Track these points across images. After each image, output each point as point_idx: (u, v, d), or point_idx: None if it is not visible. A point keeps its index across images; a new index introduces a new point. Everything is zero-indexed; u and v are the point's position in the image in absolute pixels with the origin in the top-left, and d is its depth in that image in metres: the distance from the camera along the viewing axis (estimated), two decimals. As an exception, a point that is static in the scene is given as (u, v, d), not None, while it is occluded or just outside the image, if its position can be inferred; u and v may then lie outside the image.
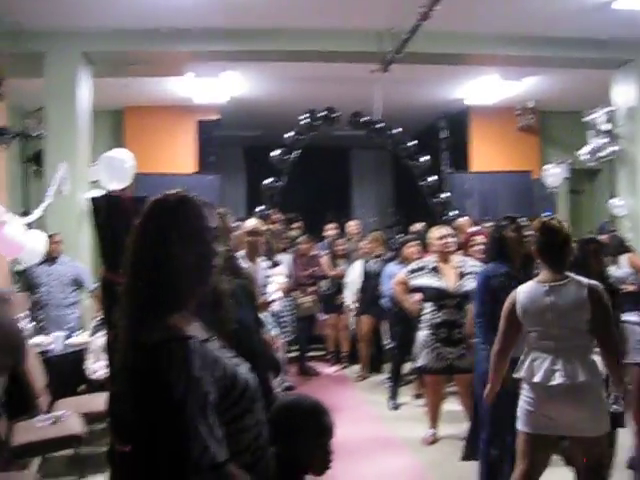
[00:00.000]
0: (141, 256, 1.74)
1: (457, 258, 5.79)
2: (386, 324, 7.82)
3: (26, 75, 8.22)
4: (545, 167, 11.09)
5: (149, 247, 1.74)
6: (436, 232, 5.89)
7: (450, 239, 5.75)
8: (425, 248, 6.54)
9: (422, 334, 5.69)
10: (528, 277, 3.92)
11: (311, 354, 9.18)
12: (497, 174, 11.61)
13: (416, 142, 9.86)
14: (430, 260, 5.84)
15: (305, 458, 2.21)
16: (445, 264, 5.71)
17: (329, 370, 8.92)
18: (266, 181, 9.32)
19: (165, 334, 1.67)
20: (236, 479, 1.64)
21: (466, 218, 8.29)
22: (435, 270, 5.70)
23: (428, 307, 5.69)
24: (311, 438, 2.22)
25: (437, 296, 5.62)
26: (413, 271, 5.89)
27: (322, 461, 2.24)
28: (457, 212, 9.68)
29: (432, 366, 5.64)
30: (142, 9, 7.13)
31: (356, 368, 8.73)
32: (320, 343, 9.41)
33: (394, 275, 6.46)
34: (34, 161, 9.42)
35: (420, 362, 5.73)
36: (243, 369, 1.83)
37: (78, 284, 7.14)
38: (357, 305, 8.34)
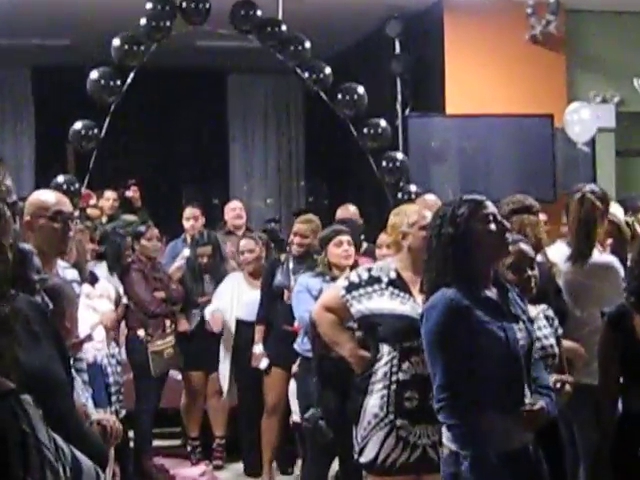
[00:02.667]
0: None
1: None
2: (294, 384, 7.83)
3: None
4: (570, 108, 11.27)
5: None
6: (411, 211, 5.86)
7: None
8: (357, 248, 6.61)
9: (372, 403, 5.58)
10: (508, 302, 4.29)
11: (158, 443, 9.21)
12: (492, 119, 11.79)
13: (347, 62, 9.92)
14: (389, 266, 5.82)
15: None
16: (414, 274, 5.63)
17: (190, 472, 8.93)
18: (76, 125, 9.21)
19: None
20: None
21: (431, 197, 8.38)
22: (397, 284, 5.54)
23: (385, 353, 5.62)
24: None
25: (403, 332, 5.46)
26: (355, 286, 5.78)
27: None
28: (416, 189, 9.80)
29: (392, 460, 5.63)
30: None
31: (237, 468, 8.79)
32: (173, 425, 9.43)
33: (315, 294, 6.47)
34: None
35: (369, 453, 5.65)
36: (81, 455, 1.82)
37: None
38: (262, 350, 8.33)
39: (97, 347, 6.16)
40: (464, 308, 4.31)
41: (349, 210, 8.77)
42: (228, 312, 8.66)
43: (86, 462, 1.81)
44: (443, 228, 4.45)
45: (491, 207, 4.48)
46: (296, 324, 7.61)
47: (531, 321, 4.55)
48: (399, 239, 5.61)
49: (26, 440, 1.58)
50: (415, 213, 5.68)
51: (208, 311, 8.73)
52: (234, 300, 8.62)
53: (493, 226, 4.38)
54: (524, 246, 5.37)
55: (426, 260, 4.66)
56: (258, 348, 8.27)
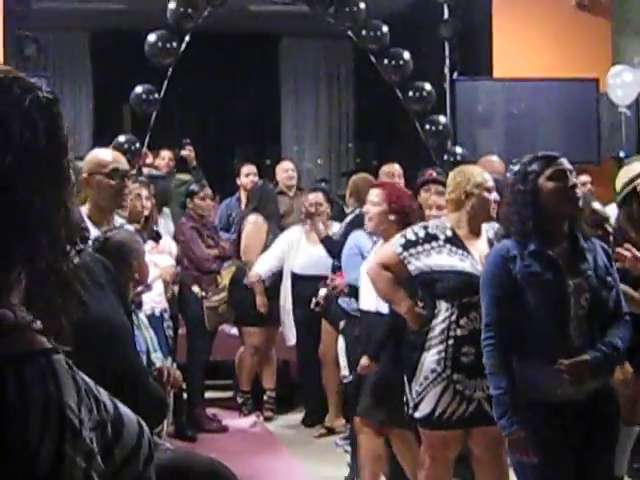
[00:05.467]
0: None
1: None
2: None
3: None
4: (613, 71, 11.16)
5: None
6: (477, 172, 5.80)
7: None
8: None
9: (430, 359, 5.53)
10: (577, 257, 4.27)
11: (210, 395, 9.26)
12: (538, 83, 11.70)
13: (396, 27, 9.89)
14: (443, 224, 5.70)
15: None
16: (471, 234, 5.53)
17: (241, 423, 8.96)
18: (137, 89, 9.24)
19: (9, 345, 1.55)
20: None
21: (495, 158, 8.30)
22: (454, 242, 5.46)
23: (443, 310, 5.56)
24: None
25: (462, 288, 5.38)
26: (411, 244, 5.70)
27: None
28: (460, 150, 9.75)
29: (449, 414, 5.54)
30: None
31: (290, 419, 8.86)
32: (225, 377, 9.46)
33: (368, 251, 6.41)
34: None
35: (425, 408, 5.59)
36: (125, 407, 1.77)
37: None
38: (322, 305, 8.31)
39: (155, 300, 6.13)
40: (512, 258, 4.39)
41: (394, 167, 8.65)
42: (285, 265, 8.64)
43: (130, 416, 1.76)
44: (515, 185, 4.51)
45: (564, 164, 4.45)
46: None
47: (609, 275, 4.47)
48: (462, 198, 5.49)
49: (49, 401, 1.51)
50: (480, 175, 5.63)
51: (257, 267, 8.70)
52: (292, 254, 8.56)
53: (561, 183, 4.35)
54: (597, 205, 5.39)
55: (503, 213, 4.80)
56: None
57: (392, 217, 6.09)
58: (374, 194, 6.28)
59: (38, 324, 1.60)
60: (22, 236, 1.60)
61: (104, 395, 1.71)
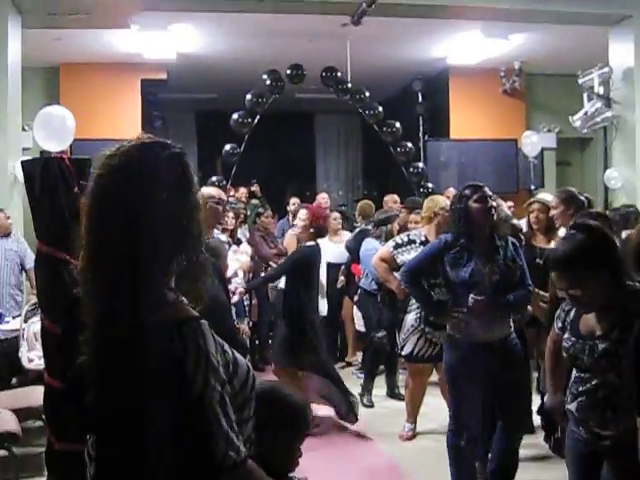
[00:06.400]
0: (109, 221, 1.61)
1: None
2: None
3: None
4: (525, 134, 11.22)
5: (120, 209, 1.61)
6: (441, 199, 5.87)
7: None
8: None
9: (410, 317, 5.66)
10: (492, 253, 4.31)
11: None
12: (479, 142, 11.66)
13: (389, 106, 9.98)
14: (419, 233, 5.74)
15: (274, 453, 2.11)
16: (434, 238, 5.56)
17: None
18: (226, 147, 9.36)
19: (170, 314, 1.60)
20: (256, 476, 1.63)
21: (452, 190, 8.32)
22: (425, 245, 5.43)
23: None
24: (287, 432, 2.15)
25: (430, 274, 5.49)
26: (400, 245, 5.75)
27: (294, 458, 2.18)
28: (431, 185, 9.80)
29: (421, 353, 5.65)
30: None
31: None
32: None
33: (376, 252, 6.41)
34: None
35: (408, 349, 5.71)
36: (237, 353, 1.79)
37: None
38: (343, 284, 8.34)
39: (238, 281, 6.17)
40: (445, 244, 4.46)
41: (393, 197, 8.65)
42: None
43: (241, 359, 1.78)
44: (454, 204, 4.52)
45: (486, 191, 4.40)
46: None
47: (513, 261, 4.43)
48: (432, 216, 5.68)
49: (199, 350, 1.55)
50: (444, 201, 5.79)
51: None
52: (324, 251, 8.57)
53: (482, 204, 4.32)
54: (515, 221, 5.56)
55: (448, 222, 4.80)
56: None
57: (312, 230, 6.19)
58: (302, 213, 6.32)
59: (185, 300, 1.67)
60: (176, 244, 1.66)
61: (226, 346, 1.74)
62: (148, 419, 1.56)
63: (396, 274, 5.92)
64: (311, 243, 6.19)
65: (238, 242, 7.53)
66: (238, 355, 1.78)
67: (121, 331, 1.57)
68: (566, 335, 3.06)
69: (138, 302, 1.58)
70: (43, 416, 4.22)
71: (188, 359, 1.54)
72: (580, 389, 2.97)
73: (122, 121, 10.95)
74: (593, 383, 2.91)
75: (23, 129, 8.23)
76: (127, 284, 1.58)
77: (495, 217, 4.39)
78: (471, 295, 4.25)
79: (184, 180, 1.72)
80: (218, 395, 1.57)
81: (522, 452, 4.54)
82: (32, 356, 5.69)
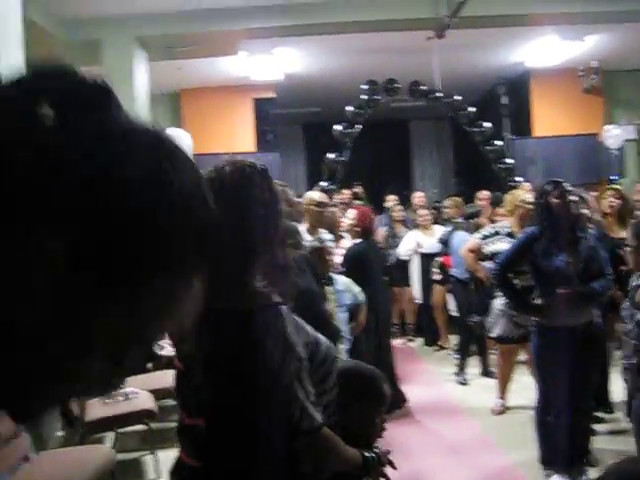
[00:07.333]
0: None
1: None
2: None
3: (85, 63, 8.34)
4: (605, 128, 10.81)
5: (226, 214, 1.73)
6: (520, 193, 5.79)
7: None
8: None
9: (498, 302, 5.56)
10: (575, 245, 4.19)
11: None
12: (561, 138, 11.26)
13: (476, 109, 9.84)
14: (504, 225, 5.67)
15: (359, 425, 2.16)
16: (520, 230, 5.39)
17: (395, 342, 8.86)
18: (330, 155, 9.45)
19: (256, 301, 1.70)
20: (331, 442, 1.71)
21: (528, 184, 8.14)
22: (511, 236, 5.41)
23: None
24: (367, 405, 2.19)
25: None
26: (486, 237, 5.73)
27: (376, 430, 2.21)
28: (521, 179, 9.58)
29: (509, 335, 5.56)
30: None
31: (419, 341, 8.87)
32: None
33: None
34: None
35: (496, 331, 5.65)
36: (319, 334, 1.88)
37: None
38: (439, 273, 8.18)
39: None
40: (531, 236, 4.40)
41: (483, 193, 8.52)
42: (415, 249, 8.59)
43: (321, 339, 1.86)
44: (537, 199, 4.48)
45: (565, 187, 4.31)
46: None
47: (595, 252, 4.35)
48: (513, 209, 5.58)
49: (278, 331, 1.65)
50: (523, 194, 5.71)
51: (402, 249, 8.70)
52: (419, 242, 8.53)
53: (561, 200, 4.23)
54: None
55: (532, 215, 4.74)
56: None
57: (357, 228, 6.03)
58: (350, 213, 6.28)
59: (271, 289, 1.75)
60: (263, 244, 1.75)
61: (307, 327, 1.84)
62: (241, 393, 1.65)
63: (483, 263, 5.91)
64: (358, 240, 6.03)
65: (339, 238, 7.55)
66: (320, 335, 1.86)
67: (215, 317, 1.65)
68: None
69: (231, 292, 1.66)
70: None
71: (268, 339, 1.62)
72: None
73: (238, 136, 11.25)
74: None
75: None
76: (222, 278, 1.66)
77: (574, 211, 4.31)
78: (558, 290, 4.19)
79: (268, 193, 1.80)
80: (294, 369, 1.64)
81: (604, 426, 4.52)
82: (164, 344, 5.89)
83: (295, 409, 1.62)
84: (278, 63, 9.76)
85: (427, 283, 8.37)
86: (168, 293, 0.60)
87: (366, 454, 1.99)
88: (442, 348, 8.42)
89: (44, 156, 0.55)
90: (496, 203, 7.07)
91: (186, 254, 0.61)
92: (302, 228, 5.15)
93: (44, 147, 0.56)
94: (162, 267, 0.59)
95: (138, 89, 8.00)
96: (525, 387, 5.78)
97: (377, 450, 2.09)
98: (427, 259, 8.29)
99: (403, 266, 8.77)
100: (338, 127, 9.64)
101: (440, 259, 7.86)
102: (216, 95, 11.07)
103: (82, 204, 0.55)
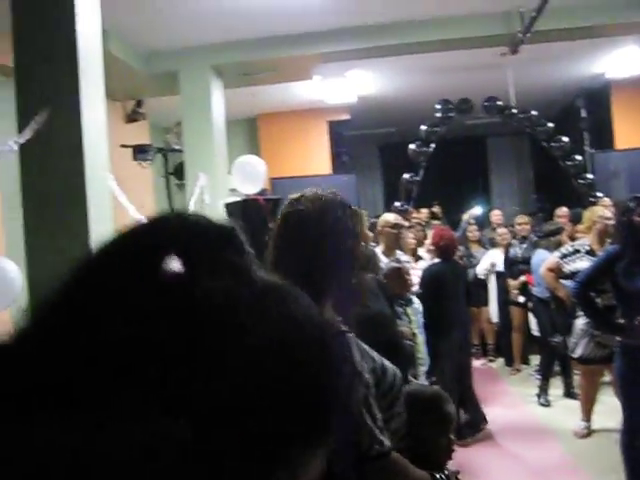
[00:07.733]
0: (289, 251, 1.79)
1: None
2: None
3: (163, 93, 8.67)
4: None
5: (298, 243, 1.78)
6: (598, 209, 5.67)
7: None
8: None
9: (580, 322, 5.41)
10: None
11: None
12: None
13: (554, 123, 9.66)
14: (583, 243, 5.54)
15: (426, 447, 2.16)
16: (600, 247, 5.30)
17: (475, 363, 8.75)
18: (405, 175, 9.43)
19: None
20: (401, 466, 1.70)
21: (607, 199, 7.94)
22: (590, 254, 5.29)
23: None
24: (432, 426, 2.19)
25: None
26: (566, 255, 5.59)
27: (444, 451, 2.21)
28: (602, 194, 9.32)
29: (591, 355, 5.40)
30: (265, 17, 7.28)
31: (499, 361, 8.74)
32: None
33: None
34: (175, 174, 9.88)
35: (578, 352, 5.49)
36: (386, 360, 1.89)
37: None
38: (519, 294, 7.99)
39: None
40: (613, 255, 4.23)
41: (562, 210, 8.37)
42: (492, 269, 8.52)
43: (388, 365, 1.86)
44: (619, 216, 4.39)
45: None
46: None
47: None
48: (591, 225, 5.45)
49: (345, 358, 1.62)
50: (601, 210, 5.62)
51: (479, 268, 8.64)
52: (495, 261, 8.46)
53: None
54: None
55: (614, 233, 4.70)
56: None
57: (433, 248, 6.13)
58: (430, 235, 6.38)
59: (339, 318, 1.75)
60: (339, 275, 1.78)
61: (374, 353, 1.83)
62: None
63: (563, 281, 5.78)
64: (436, 260, 6.08)
65: (418, 258, 7.51)
66: (386, 361, 1.86)
67: None
68: None
69: None
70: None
71: (336, 366, 1.62)
72: None
73: (314, 159, 11.37)
74: None
75: (229, 173, 8.70)
76: None
77: None
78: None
79: (348, 223, 1.83)
80: (362, 396, 1.64)
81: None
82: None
83: (364, 435, 1.63)
84: (352, 85, 9.84)
85: (504, 303, 8.23)
86: (300, 465, 0.59)
87: (436, 475, 1.99)
88: (517, 371, 8.25)
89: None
90: (576, 220, 6.91)
91: (326, 431, 0.63)
92: (378, 250, 5.18)
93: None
94: (304, 444, 0.58)
95: (215, 117, 8.18)
96: (612, 409, 5.59)
97: (447, 471, 2.09)
98: (503, 278, 8.15)
99: (482, 285, 8.65)
100: (412, 146, 9.61)
101: (524, 278, 7.71)
102: (291, 119, 11.23)
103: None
